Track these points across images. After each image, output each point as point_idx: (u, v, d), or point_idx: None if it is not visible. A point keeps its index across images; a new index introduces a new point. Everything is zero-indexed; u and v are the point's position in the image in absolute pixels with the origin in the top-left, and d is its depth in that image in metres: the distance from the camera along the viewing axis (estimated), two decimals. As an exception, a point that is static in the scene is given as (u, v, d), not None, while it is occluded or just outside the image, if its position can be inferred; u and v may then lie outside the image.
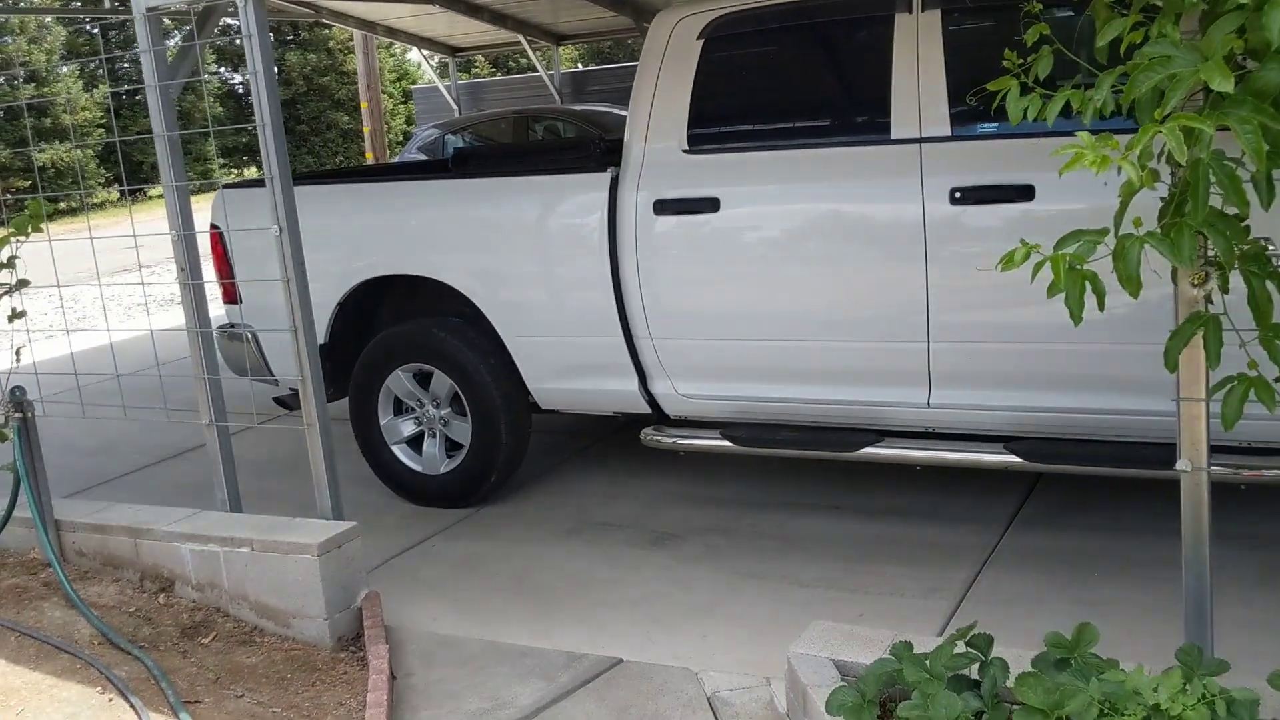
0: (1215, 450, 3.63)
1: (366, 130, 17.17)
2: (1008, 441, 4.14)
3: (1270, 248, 3.34)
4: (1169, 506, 3.01)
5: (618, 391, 4.78)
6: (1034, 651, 2.84)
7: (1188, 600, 2.88)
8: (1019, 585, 4.00)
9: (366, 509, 5.00)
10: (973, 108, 3.84)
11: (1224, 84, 2.21)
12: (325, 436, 4.12)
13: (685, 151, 4.49)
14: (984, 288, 3.96)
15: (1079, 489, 4.77)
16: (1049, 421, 4.07)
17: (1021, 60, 2.80)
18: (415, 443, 5.27)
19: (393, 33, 14.64)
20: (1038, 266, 2.48)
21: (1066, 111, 2.61)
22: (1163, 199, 2.52)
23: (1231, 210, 2.40)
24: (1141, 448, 3.93)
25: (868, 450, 4.32)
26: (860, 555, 4.38)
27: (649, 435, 4.74)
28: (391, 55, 35.12)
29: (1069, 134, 2.48)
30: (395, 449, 5.26)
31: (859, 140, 4.29)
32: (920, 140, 4.05)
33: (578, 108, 15.03)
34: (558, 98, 16.53)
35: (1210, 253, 2.51)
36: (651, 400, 4.75)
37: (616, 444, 5.96)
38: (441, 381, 5.08)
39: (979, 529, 4.51)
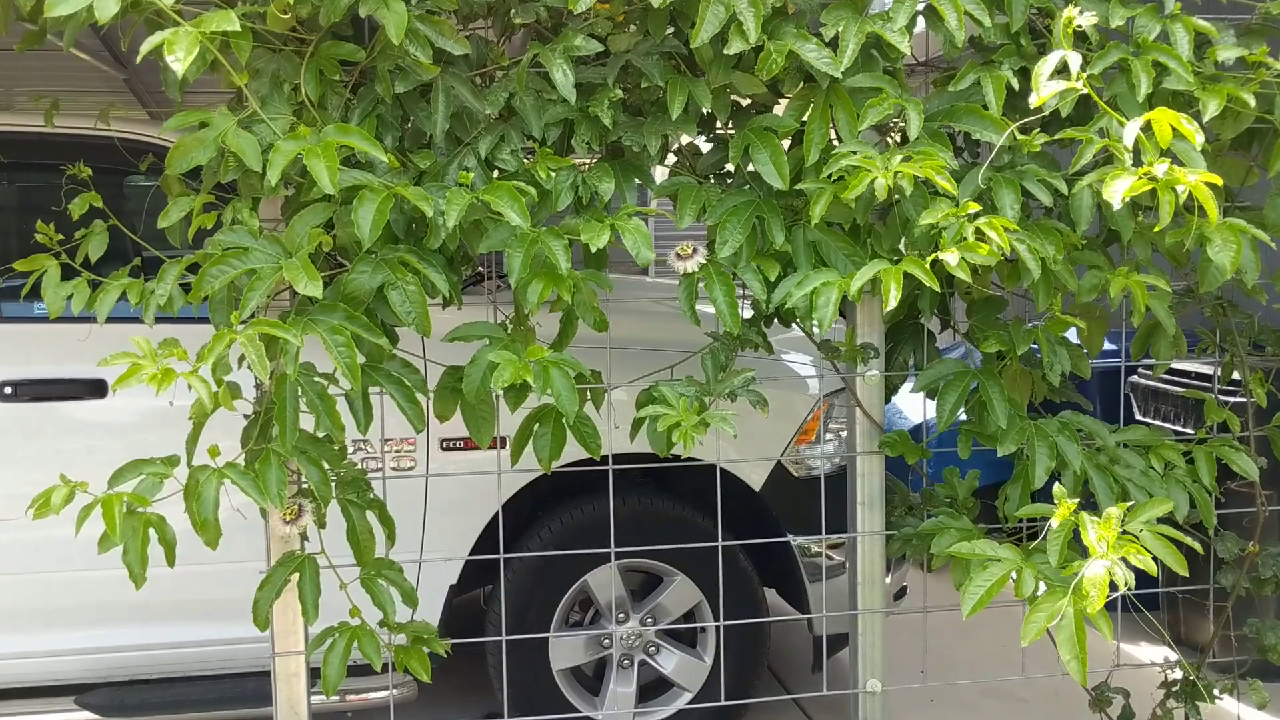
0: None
1: None
2: (80, 692, 3.32)
3: (371, 468, 3.04)
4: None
5: None
6: None
7: None
8: None
9: None
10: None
11: (311, 287, 1.82)
12: None
13: None
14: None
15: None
16: (127, 663, 3.34)
17: (64, 237, 2.18)
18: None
19: None
20: (85, 512, 1.84)
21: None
22: (247, 416, 2.06)
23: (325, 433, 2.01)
24: (244, 680, 3.37)
25: None
26: None
27: None
28: None
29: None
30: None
31: None
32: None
33: None
34: None
35: (304, 482, 2.09)
36: None
37: None
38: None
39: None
